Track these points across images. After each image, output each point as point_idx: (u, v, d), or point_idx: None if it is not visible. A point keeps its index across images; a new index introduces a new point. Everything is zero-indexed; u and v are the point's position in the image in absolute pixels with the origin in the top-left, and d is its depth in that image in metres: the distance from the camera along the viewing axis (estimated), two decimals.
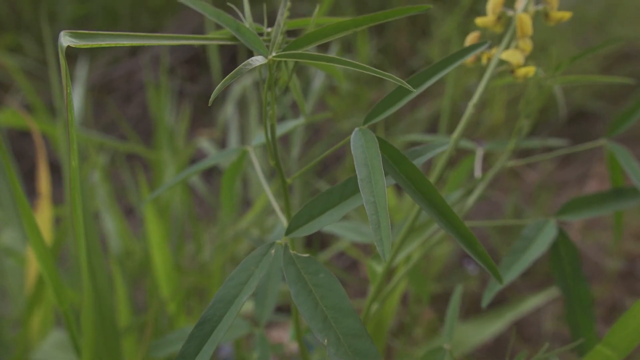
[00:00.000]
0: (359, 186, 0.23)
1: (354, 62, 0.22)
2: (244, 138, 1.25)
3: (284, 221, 0.29)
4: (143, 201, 1.11)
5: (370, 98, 1.65)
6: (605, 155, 0.35)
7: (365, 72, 0.22)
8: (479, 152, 0.43)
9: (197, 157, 1.50)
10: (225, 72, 1.68)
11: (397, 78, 0.22)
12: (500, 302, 1.09)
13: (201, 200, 1.42)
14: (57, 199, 1.21)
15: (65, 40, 0.21)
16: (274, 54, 0.24)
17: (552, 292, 0.87)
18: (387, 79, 0.22)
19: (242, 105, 1.34)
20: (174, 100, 1.35)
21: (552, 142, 0.43)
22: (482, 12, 0.34)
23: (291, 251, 0.26)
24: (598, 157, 1.60)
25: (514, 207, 1.37)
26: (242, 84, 1.19)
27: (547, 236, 0.33)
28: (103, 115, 1.70)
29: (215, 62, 1.15)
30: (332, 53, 0.99)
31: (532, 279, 1.21)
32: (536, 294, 0.82)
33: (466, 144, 0.44)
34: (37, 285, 0.61)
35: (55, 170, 1.15)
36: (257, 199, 1.07)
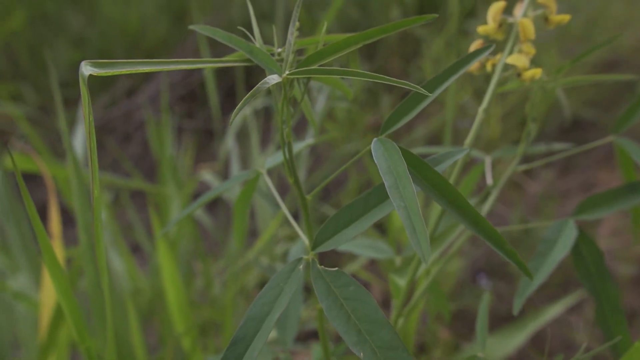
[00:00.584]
0: (388, 193, 0.23)
1: (368, 73, 0.23)
2: (246, 168, 1.26)
3: (304, 239, 0.29)
4: (151, 237, 1.10)
5: (366, 122, 1.66)
6: (615, 151, 0.36)
7: (382, 82, 0.22)
8: (488, 160, 0.43)
9: (200, 190, 1.51)
10: (222, 108, 1.70)
11: (412, 84, 0.23)
12: (518, 315, 1.07)
13: (206, 233, 1.42)
14: (65, 242, 1.20)
15: (87, 69, 0.21)
16: (287, 72, 0.25)
17: (569, 301, 0.85)
18: (403, 86, 0.23)
19: (242, 137, 1.35)
20: (174, 136, 1.37)
21: (558, 146, 0.43)
22: (469, 32, 0.35)
23: (319, 266, 0.26)
24: (598, 164, 1.61)
25: (520, 219, 1.37)
26: (241, 114, 1.20)
27: (569, 237, 0.33)
28: (104, 155, 1.71)
29: (213, 97, 1.17)
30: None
31: (546, 291, 1.20)
32: (553, 304, 0.81)
33: (475, 153, 0.44)
34: (51, 329, 0.60)
35: (61, 212, 1.15)
36: (264, 229, 1.07)
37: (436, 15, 0.26)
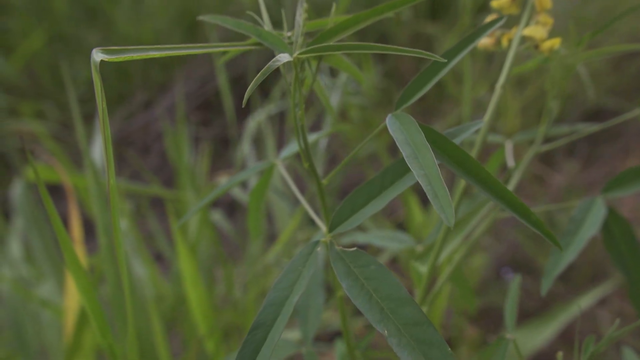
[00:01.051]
0: (408, 163, 0.22)
1: (383, 45, 0.22)
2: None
3: (320, 224, 0.28)
4: (171, 246, 1.11)
5: (380, 122, 1.65)
6: None
7: (399, 53, 0.22)
8: (509, 144, 0.42)
9: (218, 199, 1.51)
10: (237, 115, 1.71)
11: (429, 53, 0.22)
12: (545, 308, 1.04)
13: (226, 239, 1.42)
14: (88, 249, 1.22)
15: (98, 56, 0.21)
16: (297, 52, 0.24)
17: (597, 294, 0.83)
18: (421, 55, 0.22)
19: (258, 143, 1.36)
20: (191, 145, 1.38)
21: (582, 126, 0.42)
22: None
23: (337, 247, 0.25)
24: (623, 154, 1.57)
25: (545, 213, 1.34)
26: (256, 120, 1.21)
27: (597, 215, 0.32)
28: (124, 167, 1.74)
29: (228, 105, 1.18)
30: (341, 82, 1.00)
31: (576, 286, 1.17)
32: (581, 297, 0.78)
33: (495, 138, 0.43)
34: (76, 333, 0.61)
35: (83, 223, 1.17)
36: (282, 232, 1.07)
37: None
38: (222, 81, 1.17)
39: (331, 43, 0.24)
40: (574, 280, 1.19)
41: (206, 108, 1.91)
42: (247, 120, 1.27)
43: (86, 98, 1.86)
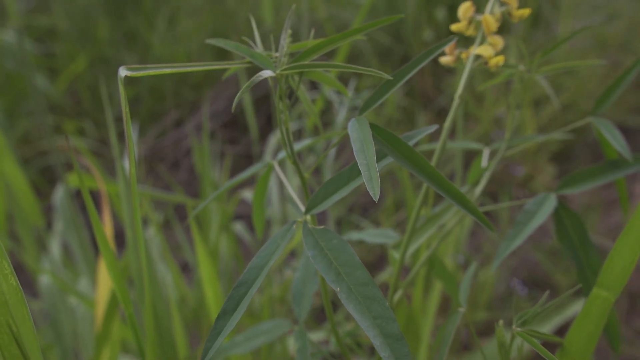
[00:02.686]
0: (355, 155, 0.28)
1: (346, 65, 0.28)
2: (282, 189, 1.33)
3: (300, 206, 0.34)
4: (195, 254, 1.18)
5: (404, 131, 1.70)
6: (594, 131, 0.38)
7: (355, 71, 0.28)
8: (486, 151, 0.47)
9: (240, 210, 1.59)
10: (262, 133, 1.80)
11: (379, 72, 0.28)
12: (543, 310, 1.05)
13: (248, 250, 1.49)
14: (117, 253, 1.31)
15: (123, 72, 0.28)
16: (280, 68, 0.31)
17: None
18: (371, 73, 0.28)
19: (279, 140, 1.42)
20: (217, 160, 1.47)
21: (555, 134, 0.46)
22: (505, 47, 0.40)
23: (309, 225, 0.31)
24: None
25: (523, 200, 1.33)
26: (278, 136, 1.28)
27: (548, 208, 0.36)
28: (156, 181, 1.85)
29: (252, 123, 1.26)
30: (351, 88, 1.06)
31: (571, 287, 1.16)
32: (577, 300, 0.80)
33: (472, 145, 0.48)
34: (105, 322, 0.68)
35: (116, 234, 1.26)
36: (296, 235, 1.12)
37: (402, 15, 0.31)
38: (247, 101, 1.26)
39: (306, 62, 0.31)
40: (573, 283, 1.19)
41: (233, 126, 2.01)
42: (269, 138, 1.35)
43: (121, 117, 1.99)
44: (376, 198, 0.26)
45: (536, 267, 1.37)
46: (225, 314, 0.28)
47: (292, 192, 0.34)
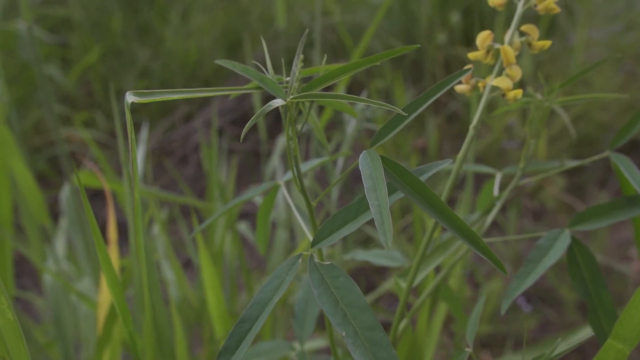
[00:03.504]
0: (366, 194, 0.27)
1: (357, 97, 0.27)
2: (290, 190, 1.32)
3: (309, 237, 0.33)
4: (198, 252, 1.18)
5: (411, 144, 1.69)
6: (612, 166, 0.37)
7: (368, 104, 0.27)
8: (498, 175, 0.46)
9: (247, 209, 1.59)
10: (271, 130, 1.79)
11: (393, 107, 0.27)
12: (553, 333, 1.04)
13: (253, 250, 1.49)
14: (123, 252, 1.31)
15: (130, 98, 0.28)
16: (291, 96, 0.30)
17: None
18: (387, 108, 0.27)
19: (287, 159, 1.42)
20: (224, 157, 1.46)
21: (567, 163, 0.45)
22: (518, 55, 0.39)
23: (316, 260, 0.30)
24: None
25: (532, 231, 1.33)
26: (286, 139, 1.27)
27: (562, 245, 0.35)
28: (163, 175, 1.85)
29: (261, 121, 1.25)
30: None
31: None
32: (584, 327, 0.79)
33: (484, 168, 0.47)
34: (106, 326, 0.68)
35: (121, 227, 1.27)
36: (304, 248, 1.12)
37: (418, 45, 0.30)
38: (256, 99, 1.25)
39: (317, 91, 0.30)
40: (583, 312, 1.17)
41: (242, 123, 2.01)
42: (278, 137, 1.34)
43: (132, 109, 1.99)
44: (389, 244, 0.25)
45: (542, 280, 1.36)
46: (227, 351, 0.27)
47: (301, 219, 0.34)
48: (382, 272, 1.30)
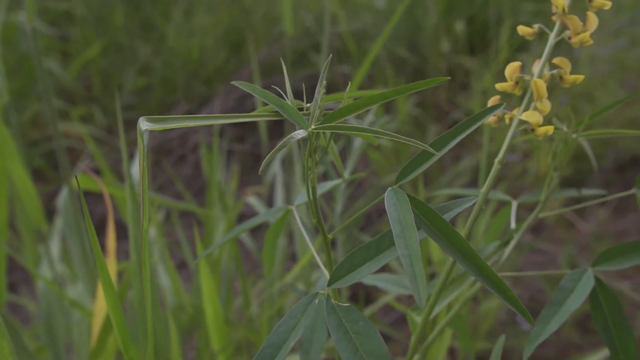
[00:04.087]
0: (395, 241, 0.25)
1: (382, 131, 0.26)
2: (289, 195, 1.31)
3: (326, 274, 0.32)
4: (196, 256, 1.16)
5: (411, 153, 1.68)
6: (639, 204, 0.36)
7: (392, 139, 0.25)
8: (514, 205, 0.45)
9: (245, 211, 1.57)
10: (270, 132, 1.78)
11: (421, 143, 0.26)
12: (560, 358, 1.03)
13: (248, 254, 1.47)
14: (119, 254, 1.29)
15: (144, 125, 0.26)
16: (312, 126, 0.28)
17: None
18: (412, 144, 0.26)
19: (287, 163, 1.41)
20: (224, 159, 1.45)
21: (588, 192, 0.44)
22: (523, 70, 0.38)
23: (333, 301, 0.28)
24: None
25: (568, 259, 1.32)
26: (287, 142, 1.26)
27: (585, 287, 0.34)
28: (160, 174, 1.83)
29: (262, 123, 1.23)
30: (372, 113, 1.04)
31: (594, 337, 1.14)
32: (596, 351, 0.78)
33: (501, 196, 0.45)
34: (101, 337, 0.66)
35: (118, 228, 1.24)
36: (302, 253, 1.10)
37: (448, 77, 0.29)
38: (258, 100, 1.23)
39: (340, 123, 0.28)
40: (593, 330, 1.17)
41: (242, 124, 1.99)
42: (279, 140, 1.32)
43: (131, 105, 1.97)
44: (423, 303, 0.23)
45: (539, 294, 1.35)
46: None
47: (317, 255, 0.32)
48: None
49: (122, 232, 1.26)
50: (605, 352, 0.79)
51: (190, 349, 1.12)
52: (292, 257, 1.33)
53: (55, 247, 0.95)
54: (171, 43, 2.01)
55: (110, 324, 0.64)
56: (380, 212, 1.55)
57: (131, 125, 1.86)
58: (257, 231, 1.53)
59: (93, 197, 1.65)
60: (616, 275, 1.30)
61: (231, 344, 0.81)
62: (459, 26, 1.88)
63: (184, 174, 1.89)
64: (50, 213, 1.35)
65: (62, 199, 0.86)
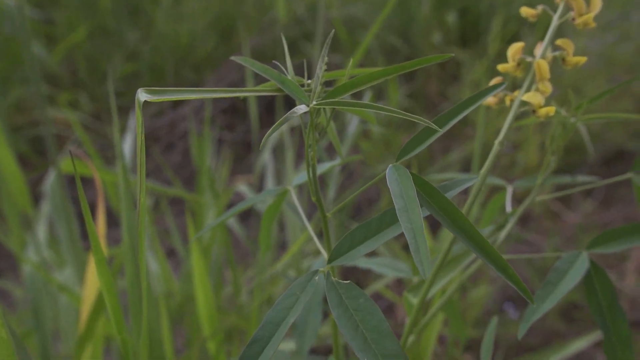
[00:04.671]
0: (398, 215, 0.25)
1: (386, 107, 0.25)
2: (280, 183, 1.30)
3: (323, 252, 0.31)
4: (187, 242, 1.15)
5: (401, 142, 1.68)
6: (634, 188, 0.36)
7: (395, 115, 0.25)
8: (509, 189, 0.45)
9: (235, 201, 1.56)
10: (261, 120, 1.76)
11: (424, 119, 0.25)
12: (545, 346, 1.05)
13: (238, 243, 1.46)
14: (107, 242, 1.27)
15: (142, 96, 0.25)
16: (314, 102, 0.28)
17: (595, 337, 0.83)
18: (415, 120, 0.25)
19: (278, 152, 1.40)
20: (214, 147, 1.43)
21: (582, 178, 0.44)
22: (524, 53, 0.38)
23: (333, 278, 0.28)
24: None
25: (554, 249, 1.34)
26: (279, 130, 1.25)
27: (580, 269, 0.34)
28: (148, 162, 1.80)
29: (254, 111, 1.22)
30: (366, 99, 1.03)
31: (579, 326, 1.17)
32: (580, 338, 0.79)
33: (497, 181, 0.46)
34: (90, 322, 0.65)
35: (105, 215, 1.23)
36: (293, 241, 1.10)
37: (451, 54, 0.29)
38: (250, 87, 1.22)
39: (342, 98, 0.28)
40: (578, 319, 1.19)
41: (232, 112, 1.97)
42: (270, 128, 1.31)
43: (119, 92, 1.93)
44: (427, 274, 0.23)
45: (526, 283, 1.37)
46: None
47: (315, 236, 0.32)
48: (366, 270, 1.29)
49: (109, 220, 1.24)
50: (588, 339, 0.81)
51: (179, 337, 1.12)
52: (283, 246, 1.33)
53: (41, 232, 0.94)
54: (160, 28, 1.98)
55: (100, 308, 0.63)
56: (370, 201, 1.55)
57: (119, 111, 1.83)
58: (247, 220, 1.52)
59: (81, 183, 1.62)
60: (605, 266, 1.32)
61: (222, 331, 0.81)
62: (451, 17, 1.88)
63: (172, 161, 1.87)
64: (35, 199, 1.32)
65: (50, 183, 0.85)
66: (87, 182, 1.55)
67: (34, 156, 1.73)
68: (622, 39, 1.88)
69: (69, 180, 1.61)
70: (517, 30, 1.76)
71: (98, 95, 1.94)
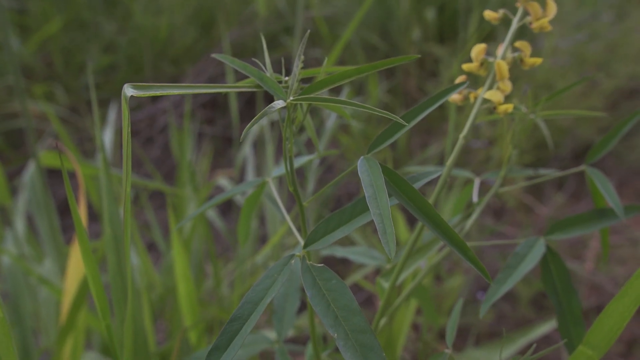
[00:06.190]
0: (367, 202, 0.27)
1: (357, 102, 0.27)
2: (260, 176, 1.31)
3: (299, 238, 0.34)
4: (167, 236, 1.16)
5: None
6: (587, 180, 0.39)
7: (367, 111, 0.27)
8: (477, 181, 0.48)
9: (215, 194, 1.57)
10: (241, 115, 1.77)
11: (392, 115, 0.28)
12: (512, 331, 1.10)
13: (219, 236, 1.47)
14: (88, 234, 1.26)
15: (129, 91, 0.27)
16: (291, 98, 0.30)
17: None
18: (385, 115, 0.28)
19: (258, 146, 1.41)
20: (194, 141, 1.43)
21: (542, 171, 0.47)
22: (488, 54, 0.40)
23: (308, 262, 0.30)
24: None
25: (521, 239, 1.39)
26: (259, 125, 1.26)
27: (537, 253, 0.37)
28: None
29: (234, 106, 1.23)
30: (344, 95, 1.05)
31: (548, 314, 1.22)
32: (545, 322, 0.84)
33: (464, 173, 0.48)
34: (71, 314, 0.66)
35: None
36: (273, 234, 1.12)
37: (418, 55, 0.31)
38: (230, 82, 1.23)
39: (319, 94, 0.30)
40: (547, 307, 1.24)
41: (212, 106, 1.96)
42: (248, 122, 1.32)
43: (95, 84, 1.91)
44: (392, 254, 0.25)
45: (496, 272, 1.42)
46: (218, 350, 0.27)
47: (292, 223, 0.34)
48: (345, 262, 1.32)
49: (87, 214, 1.23)
50: (552, 324, 0.85)
51: (160, 328, 1.13)
52: (263, 240, 1.35)
53: (20, 225, 0.93)
54: (138, 20, 1.95)
55: (82, 300, 0.64)
56: (351, 195, 1.58)
57: (100, 103, 1.81)
58: (228, 214, 1.53)
59: (57, 177, 1.61)
60: (569, 255, 1.38)
61: (203, 322, 0.82)
62: (430, 14, 1.92)
63: (151, 155, 1.86)
64: (11, 193, 1.30)
65: (29, 175, 0.84)
66: (60, 173, 1.53)
67: (8, 149, 1.70)
68: (592, 38, 1.95)
69: (50, 174, 1.58)
70: (492, 28, 1.81)
71: (73, 87, 1.91)
